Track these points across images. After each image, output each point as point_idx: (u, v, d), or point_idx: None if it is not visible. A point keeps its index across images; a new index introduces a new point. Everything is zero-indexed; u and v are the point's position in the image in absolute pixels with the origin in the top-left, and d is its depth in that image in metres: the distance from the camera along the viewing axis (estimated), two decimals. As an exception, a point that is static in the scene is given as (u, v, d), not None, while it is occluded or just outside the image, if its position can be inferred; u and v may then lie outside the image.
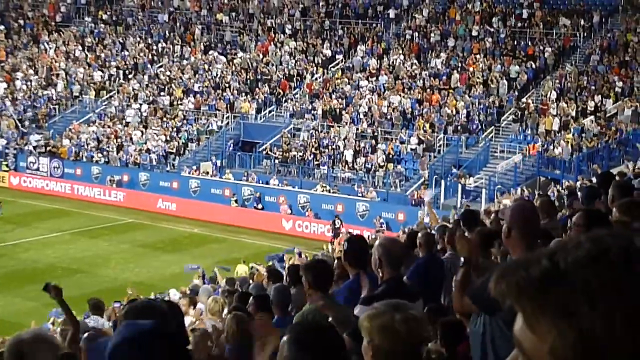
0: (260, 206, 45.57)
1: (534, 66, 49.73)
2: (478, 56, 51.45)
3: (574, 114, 44.95)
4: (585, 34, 51.73)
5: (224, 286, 20.18)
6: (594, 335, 1.42)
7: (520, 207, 5.97)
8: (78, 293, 25.65)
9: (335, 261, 10.87)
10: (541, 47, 50.95)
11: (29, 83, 60.50)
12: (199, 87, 55.93)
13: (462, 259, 6.32)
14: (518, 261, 1.53)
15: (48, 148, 53.72)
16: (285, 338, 4.05)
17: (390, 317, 3.84)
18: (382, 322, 3.84)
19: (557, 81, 48.02)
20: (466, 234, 9.22)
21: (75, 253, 38.75)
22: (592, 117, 44.26)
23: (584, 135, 43.02)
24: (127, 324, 3.44)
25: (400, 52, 53.90)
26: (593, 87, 46.28)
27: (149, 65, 59.78)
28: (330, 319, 6.48)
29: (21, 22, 68.31)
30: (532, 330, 1.48)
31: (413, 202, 42.56)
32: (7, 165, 53.54)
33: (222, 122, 53.07)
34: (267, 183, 46.84)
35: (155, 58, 60.73)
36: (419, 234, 10.07)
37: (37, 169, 52.99)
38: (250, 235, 42.67)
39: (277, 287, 9.09)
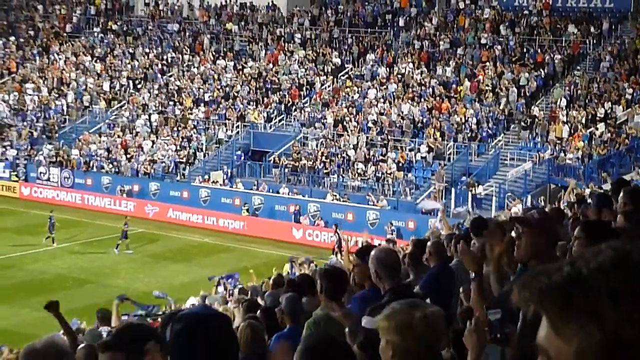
0: (305, 220, 44.44)
1: (543, 74, 49.68)
2: (487, 64, 51.41)
3: (584, 121, 44.86)
4: (594, 41, 51.63)
5: (237, 295, 20.17)
6: (619, 336, 1.45)
7: (544, 215, 5.94)
8: (87, 303, 25.72)
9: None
10: (550, 55, 50.89)
11: (39, 94, 60.66)
12: (208, 97, 56.00)
13: (472, 273, 6.28)
14: (539, 270, 1.57)
15: (58, 158, 53.82)
16: (298, 348, 4.10)
17: (409, 315, 3.77)
18: (401, 320, 3.77)
19: (567, 88, 47.93)
20: (474, 241, 9.17)
21: (85, 263, 38.78)
22: (602, 124, 44.16)
23: (594, 142, 42.94)
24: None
25: (410, 60, 53.91)
26: (604, 94, 46.19)
27: (158, 75, 59.89)
28: (347, 328, 6.47)
29: (32, 32, 68.56)
30: (558, 334, 1.51)
31: (423, 211, 42.50)
32: (16, 176, 53.66)
33: (232, 131, 53.11)
34: (277, 192, 46.84)
35: (165, 68, 60.87)
36: (429, 243, 9.99)
37: (48, 179, 53.08)
38: (260, 244, 42.65)
39: (289, 297, 9.03)
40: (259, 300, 14.50)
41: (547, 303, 1.52)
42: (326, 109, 51.90)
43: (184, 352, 3.42)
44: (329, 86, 54.50)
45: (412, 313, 3.77)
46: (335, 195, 45.16)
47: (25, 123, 58.13)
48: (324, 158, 47.88)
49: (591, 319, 1.46)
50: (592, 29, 52.10)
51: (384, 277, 6.60)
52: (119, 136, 54.56)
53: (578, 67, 50.30)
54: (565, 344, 1.50)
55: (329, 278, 7.30)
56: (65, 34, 67.80)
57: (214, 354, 3.42)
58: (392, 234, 38.61)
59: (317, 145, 49.36)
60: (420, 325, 3.73)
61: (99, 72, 61.82)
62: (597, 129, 43.89)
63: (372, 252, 7.07)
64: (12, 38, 67.70)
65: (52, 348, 4.55)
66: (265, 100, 54.46)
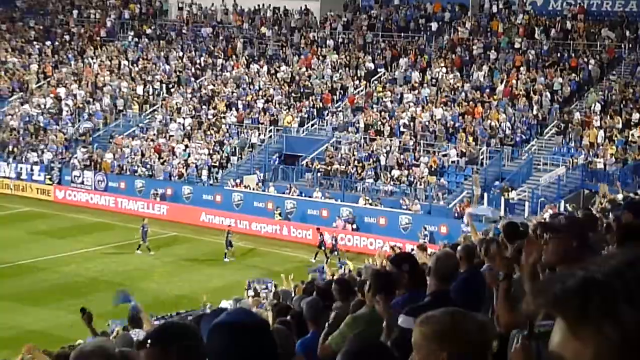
0: (354, 226, 44.30)
1: (577, 78, 49.36)
2: (521, 68, 51.17)
3: (619, 125, 44.52)
4: (630, 45, 51.26)
5: (271, 299, 20.21)
6: (637, 339, 1.46)
7: (570, 220, 5.92)
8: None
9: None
10: (585, 59, 50.56)
11: (74, 98, 61.06)
12: (242, 101, 56.12)
13: (500, 273, 6.24)
14: (553, 276, 1.59)
15: (92, 162, 54.13)
16: (341, 351, 4.15)
17: (459, 323, 3.58)
18: (451, 326, 3.58)
19: (601, 93, 47.60)
20: (508, 247, 9.14)
21: (118, 266, 38.98)
22: (637, 129, 43.81)
23: (628, 147, 42.60)
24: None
25: (443, 65, 53.77)
26: (639, 99, 45.84)
27: (192, 79, 60.14)
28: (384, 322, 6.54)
29: (67, 37, 69.10)
30: (576, 336, 1.52)
31: (456, 215, 42.36)
32: (50, 179, 53.96)
33: (264, 135, 53.21)
34: (310, 196, 46.82)
35: (198, 72, 61.09)
36: (459, 247, 9.94)
37: (82, 183, 53.41)
38: (293, 248, 42.70)
39: (309, 302, 9.08)
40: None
41: (562, 307, 1.53)
42: (359, 113, 51.87)
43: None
44: (361, 90, 54.46)
45: (461, 320, 3.46)
46: (368, 200, 45.10)
47: (60, 126, 58.54)
48: (356, 162, 47.84)
49: (608, 321, 1.47)
50: (627, 33, 51.73)
51: (433, 277, 6.70)
52: (152, 140, 54.80)
53: (613, 72, 49.93)
54: (583, 346, 1.51)
55: (377, 277, 7.39)
56: (99, 38, 68.24)
57: None
58: (424, 239, 38.49)
59: (349, 150, 49.33)
60: (472, 330, 3.52)
61: (132, 76, 62.16)
62: (632, 134, 43.56)
63: (438, 251, 7.13)
64: (48, 42, 68.28)
65: (101, 351, 4.60)
66: (298, 104, 54.51)
